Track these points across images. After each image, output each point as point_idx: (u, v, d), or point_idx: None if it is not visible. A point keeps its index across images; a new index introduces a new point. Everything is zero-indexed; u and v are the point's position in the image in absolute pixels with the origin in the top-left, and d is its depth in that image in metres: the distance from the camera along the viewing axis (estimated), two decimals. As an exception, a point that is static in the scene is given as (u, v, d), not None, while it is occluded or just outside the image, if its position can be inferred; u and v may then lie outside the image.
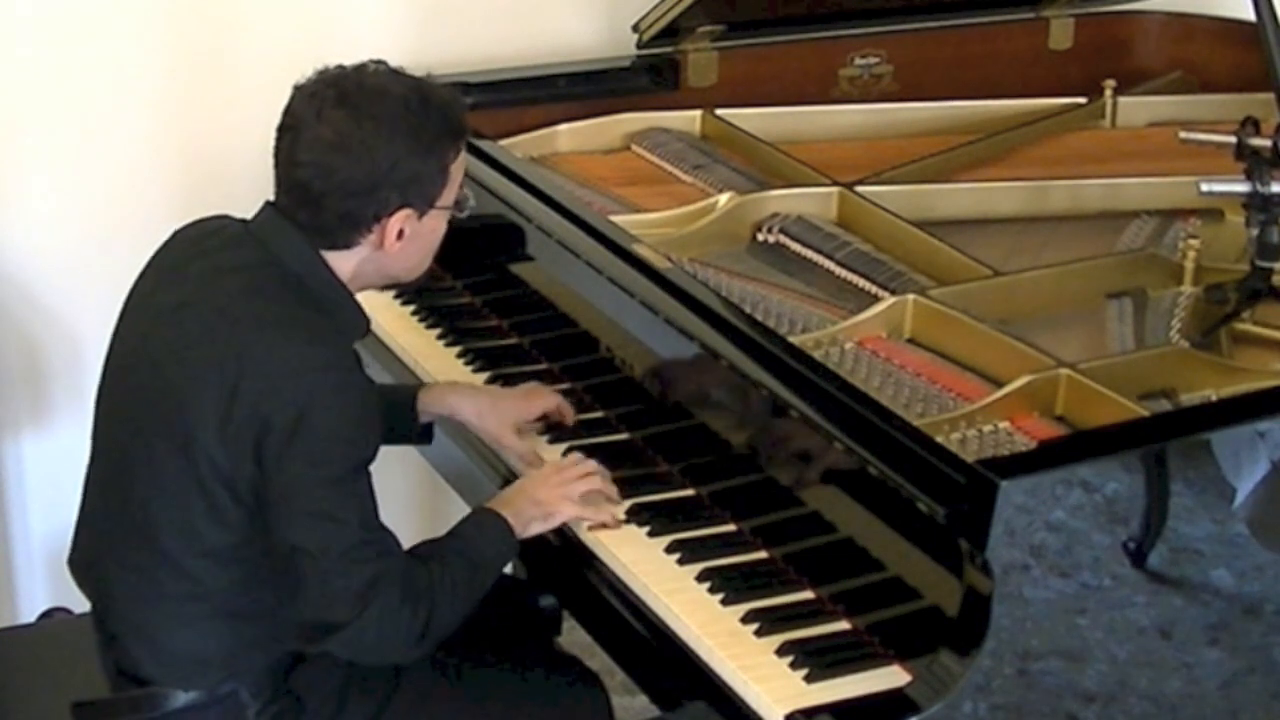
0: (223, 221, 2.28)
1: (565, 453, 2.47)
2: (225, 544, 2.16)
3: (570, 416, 2.53)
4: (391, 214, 2.17)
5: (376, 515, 2.16)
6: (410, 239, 2.21)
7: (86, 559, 2.33)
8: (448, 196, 2.23)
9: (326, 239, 2.18)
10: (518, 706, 2.37)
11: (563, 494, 2.30)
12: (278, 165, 2.19)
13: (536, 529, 2.30)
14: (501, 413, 2.50)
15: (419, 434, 2.56)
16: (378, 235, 2.18)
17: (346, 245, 2.19)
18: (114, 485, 2.25)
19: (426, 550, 2.23)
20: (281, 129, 2.18)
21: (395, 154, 2.14)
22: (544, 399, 2.53)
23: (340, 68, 2.19)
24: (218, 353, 2.11)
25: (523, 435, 2.51)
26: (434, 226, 2.24)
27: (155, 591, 2.20)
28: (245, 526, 2.14)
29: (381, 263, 2.23)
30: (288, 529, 2.10)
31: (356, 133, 2.12)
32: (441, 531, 2.28)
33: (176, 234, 2.30)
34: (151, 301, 2.24)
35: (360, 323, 2.27)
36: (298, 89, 2.18)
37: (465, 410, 2.51)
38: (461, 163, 2.25)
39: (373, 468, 2.54)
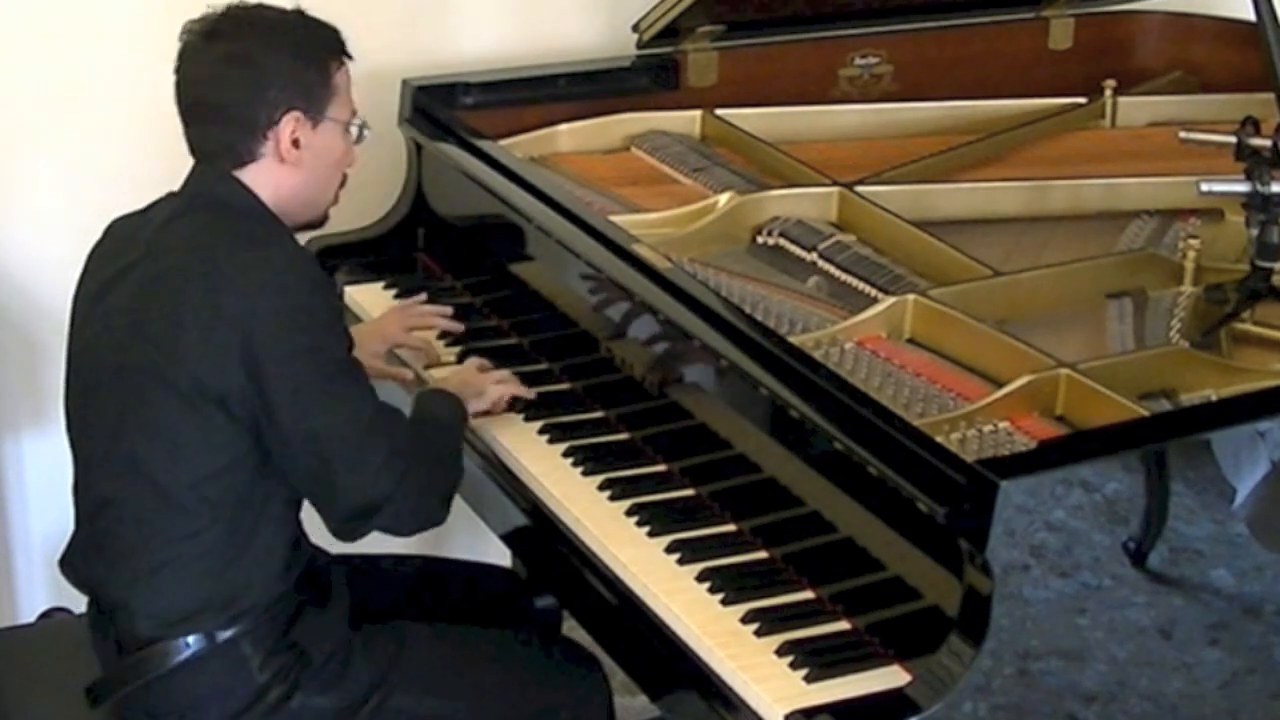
0: (151, 203, 2.36)
1: (566, 453, 2.47)
2: (216, 467, 2.20)
3: (451, 327, 2.74)
4: (282, 116, 2.26)
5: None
6: (308, 151, 2.30)
7: (84, 546, 2.34)
8: (338, 110, 2.32)
9: (232, 156, 2.28)
10: (518, 673, 2.42)
11: (488, 378, 2.54)
12: (178, 99, 2.30)
13: (474, 407, 2.49)
14: (384, 329, 2.69)
15: None
16: (274, 142, 2.27)
17: (252, 157, 2.28)
18: (104, 454, 2.27)
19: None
20: (177, 65, 2.29)
21: (280, 59, 2.26)
22: (419, 314, 2.73)
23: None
24: (188, 279, 2.19)
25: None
26: (329, 143, 2.32)
27: (155, 538, 2.22)
28: (235, 444, 2.19)
29: (292, 182, 2.30)
30: (306, 419, 2.17)
31: (242, 44, 2.26)
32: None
33: (110, 226, 2.38)
34: (97, 281, 2.31)
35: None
36: (186, 25, 2.30)
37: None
38: (347, 81, 2.35)
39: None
